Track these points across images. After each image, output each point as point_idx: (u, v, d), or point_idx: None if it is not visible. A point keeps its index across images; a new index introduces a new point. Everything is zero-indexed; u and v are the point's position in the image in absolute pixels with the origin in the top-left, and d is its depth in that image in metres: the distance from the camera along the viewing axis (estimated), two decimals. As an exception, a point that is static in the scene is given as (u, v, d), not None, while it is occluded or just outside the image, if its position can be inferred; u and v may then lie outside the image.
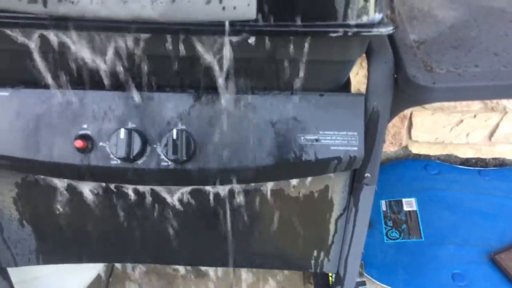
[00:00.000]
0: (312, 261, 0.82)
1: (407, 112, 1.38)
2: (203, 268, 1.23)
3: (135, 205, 0.73)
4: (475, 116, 1.37)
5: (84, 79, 0.61)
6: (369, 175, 0.68)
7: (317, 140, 0.63)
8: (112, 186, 0.70)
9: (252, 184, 0.71)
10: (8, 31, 0.53)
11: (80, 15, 0.47)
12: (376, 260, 1.25)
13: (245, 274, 1.15)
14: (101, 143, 0.62)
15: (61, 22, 0.50)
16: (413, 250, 1.27)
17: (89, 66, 0.58)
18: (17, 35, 0.54)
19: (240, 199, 0.72)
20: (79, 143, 0.61)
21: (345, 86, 0.67)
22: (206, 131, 0.63)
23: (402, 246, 1.28)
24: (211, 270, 1.27)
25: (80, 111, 0.62)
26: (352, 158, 0.64)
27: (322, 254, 0.81)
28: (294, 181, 0.71)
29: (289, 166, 0.64)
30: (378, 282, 1.23)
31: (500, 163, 1.51)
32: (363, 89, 0.64)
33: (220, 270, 1.28)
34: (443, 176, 1.47)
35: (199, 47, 0.54)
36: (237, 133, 0.63)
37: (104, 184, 0.70)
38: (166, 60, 0.57)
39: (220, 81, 0.60)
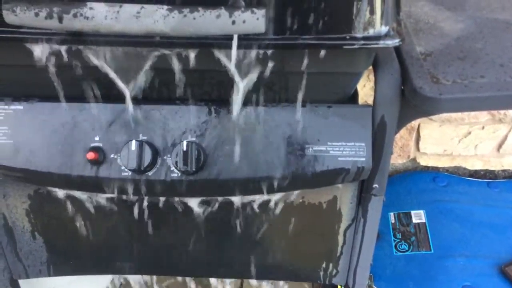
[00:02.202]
0: (321, 273, 0.82)
1: (414, 124, 1.39)
2: (211, 281, 1.23)
3: (145, 216, 0.74)
4: (483, 127, 1.37)
5: (96, 92, 0.63)
6: (377, 185, 0.69)
7: (325, 151, 0.64)
8: (123, 197, 0.71)
9: (261, 195, 0.71)
10: (23, 46, 0.55)
11: (94, 30, 0.48)
12: (385, 272, 1.24)
13: (253, 286, 1.14)
14: (112, 155, 0.63)
15: (76, 38, 0.52)
16: (423, 263, 1.26)
17: (101, 79, 0.59)
18: (32, 50, 0.55)
19: (248, 210, 0.73)
20: (91, 155, 0.62)
21: (353, 98, 0.68)
22: (215, 143, 0.64)
23: (412, 259, 1.28)
24: (219, 282, 1.27)
25: (92, 124, 0.64)
26: (360, 169, 0.64)
27: (331, 266, 0.81)
28: (302, 192, 0.72)
29: (298, 177, 0.64)
30: (387, 295, 1.22)
31: (510, 175, 1.50)
32: (370, 101, 0.65)
33: (227, 281, 1.28)
34: (452, 188, 1.46)
35: (209, 61, 0.55)
36: (246, 144, 0.64)
37: (115, 196, 0.71)
38: (177, 73, 0.58)
39: (230, 94, 0.61)
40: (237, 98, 0.61)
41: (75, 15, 0.47)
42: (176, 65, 0.56)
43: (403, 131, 1.41)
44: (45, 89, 0.61)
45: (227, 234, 0.77)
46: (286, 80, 0.62)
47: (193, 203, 0.72)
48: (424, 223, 1.36)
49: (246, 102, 0.63)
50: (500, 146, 1.42)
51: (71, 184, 0.65)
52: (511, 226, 1.33)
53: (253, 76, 0.59)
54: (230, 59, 0.55)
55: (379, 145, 0.65)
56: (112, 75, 0.58)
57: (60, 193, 0.71)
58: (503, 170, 1.49)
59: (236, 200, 0.71)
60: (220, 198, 0.71)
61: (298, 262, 0.82)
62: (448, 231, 1.34)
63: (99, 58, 0.56)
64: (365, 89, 1.27)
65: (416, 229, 1.35)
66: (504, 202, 1.40)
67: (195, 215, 0.73)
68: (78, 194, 0.71)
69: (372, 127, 0.64)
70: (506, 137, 1.39)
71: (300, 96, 0.63)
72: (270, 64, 0.57)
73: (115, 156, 0.63)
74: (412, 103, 0.60)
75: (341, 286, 1.07)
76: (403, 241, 1.32)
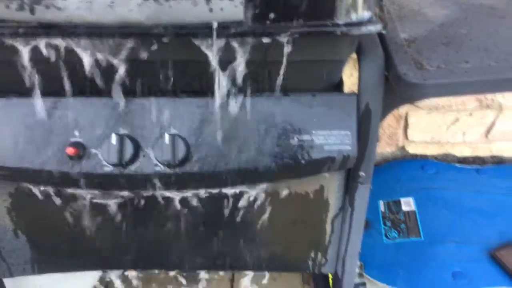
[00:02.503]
0: (310, 262, 0.82)
1: (402, 112, 1.38)
2: (200, 274, 1.23)
3: (130, 211, 0.72)
4: (470, 114, 1.37)
5: (75, 86, 0.61)
6: (363, 174, 0.68)
7: (310, 140, 0.63)
8: (107, 192, 0.70)
9: (247, 187, 0.70)
10: (-4, 40, 0.53)
11: (67, 21, 0.47)
12: (375, 260, 1.24)
13: (242, 278, 1.14)
14: (93, 150, 0.62)
15: (49, 30, 0.50)
16: (413, 250, 1.27)
17: (79, 73, 0.58)
18: (5, 43, 0.53)
19: (235, 202, 0.72)
20: (70, 151, 0.61)
21: (338, 86, 0.67)
22: (198, 135, 0.62)
23: (402, 246, 1.28)
24: (208, 275, 1.26)
25: (72, 119, 0.62)
26: (345, 157, 0.64)
27: (319, 255, 0.81)
28: (289, 182, 0.71)
29: (283, 167, 0.64)
30: (378, 282, 1.22)
31: (498, 161, 1.51)
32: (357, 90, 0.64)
33: (216, 274, 1.27)
34: (440, 176, 1.47)
35: (188, 50, 0.54)
36: (229, 135, 0.63)
37: (97, 191, 0.69)
38: (155, 64, 0.57)
39: (212, 84, 0.60)
40: (219, 89, 0.60)
41: (47, 6, 0.46)
42: (153, 56, 0.55)
43: (391, 120, 1.40)
44: (23, 84, 0.60)
45: (214, 227, 0.76)
46: (269, 69, 0.61)
47: (178, 196, 0.71)
48: (414, 210, 1.36)
49: (228, 93, 0.61)
50: (488, 132, 1.42)
51: (51, 180, 0.64)
52: (500, 212, 1.34)
53: (234, 66, 0.58)
54: (209, 48, 0.54)
55: (365, 133, 0.64)
56: (89, 68, 0.56)
57: (41, 190, 0.70)
58: (492, 156, 1.50)
59: (222, 192, 0.70)
60: (205, 191, 0.70)
61: (286, 253, 0.82)
62: (438, 218, 1.34)
63: (75, 51, 0.54)
64: (353, 78, 1.26)
65: (406, 217, 1.35)
66: (493, 188, 1.41)
67: (180, 209, 0.72)
68: (59, 190, 0.70)
69: (357, 115, 0.63)
70: (494, 123, 1.39)
71: (283, 85, 0.63)
72: (251, 53, 0.55)
73: (96, 151, 0.62)
74: (397, 89, 0.60)
75: (330, 275, 1.07)
76: (393, 229, 1.32)
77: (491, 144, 1.46)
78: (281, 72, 0.60)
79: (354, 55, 0.63)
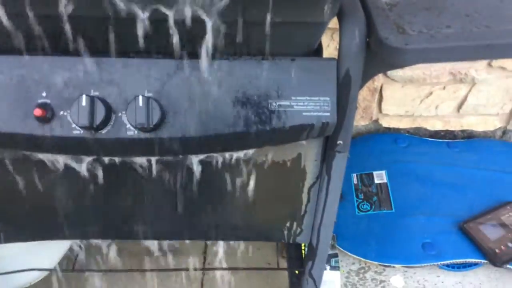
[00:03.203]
0: (285, 232, 0.81)
1: (377, 85, 1.38)
2: (174, 246, 1.21)
3: (100, 176, 0.70)
4: (444, 88, 1.38)
5: (42, 43, 0.58)
6: (341, 142, 0.67)
7: (289, 106, 0.61)
8: (76, 157, 0.67)
9: (223, 153, 0.69)
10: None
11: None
12: (348, 232, 1.26)
13: (216, 248, 1.13)
14: (61, 112, 0.59)
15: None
16: (384, 222, 1.28)
17: (47, 29, 0.55)
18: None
19: (210, 169, 0.70)
20: (38, 112, 0.57)
21: (317, 52, 0.66)
22: (173, 98, 0.60)
23: (374, 218, 1.29)
24: (181, 245, 1.25)
25: (39, 79, 0.59)
26: (324, 124, 0.62)
27: (295, 224, 0.80)
28: (266, 150, 0.70)
29: (261, 133, 0.62)
30: (350, 254, 1.24)
31: (468, 135, 1.53)
32: (335, 59, 0.63)
33: (190, 244, 1.26)
34: (412, 149, 1.49)
35: (162, 9, 0.52)
36: (205, 100, 0.61)
37: (67, 156, 0.67)
38: (129, 24, 0.54)
39: (186, 45, 0.58)
40: (195, 51, 0.58)
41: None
42: (126, 13, 0.52)
43: (366, 92, 1.40)
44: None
45: (188, 194, 0.74)
46: (247, 31, 0.58)
47: (151, 162, 0.69)
48: (386, 183, 1.38)
49: (205, 55, 0.59)
50: (460, 106, 1.44)
51: (17, 143, 0.61)
52: (469, 185, 1.37)
53: (210, 27, 0.55)
54: (184, 5, 0.51)
55: (344, 100, 0.63)
56: (59, 25, 0.53)
57: (7, 154, 0.67)
58: (462, 131, 1.52)
59: (197, 158, 0.69)
60: (180, 156, 0.68)
61: (262, 222, 0.81)
62: (409, 191, 1.36)
63: (44, 4, 0.51)
64: (329, 49, 1.25)
65: (378, 189, 1.36)
66: (463, 161, 1.44)
67: (153, 175, 0.70)
68: (26, 154, 0.67)
69: (337, 81, 0.62)
70: (466, 97, 1.41)
71: (262, 49, 0.61)
72: (228, 12, 0.53)
73: (65, 113, 0.59)
74: (378, 54, 0.58)
75: (304, 246, 1.07)
76: (365, 201, 1.34)
77: (463, 119, 1.48)
78: (260, 34, 0.58)
79: (333, 24, 0.61)
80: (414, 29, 0.58)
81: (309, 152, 0.71)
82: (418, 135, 1.53)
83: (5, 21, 0.54)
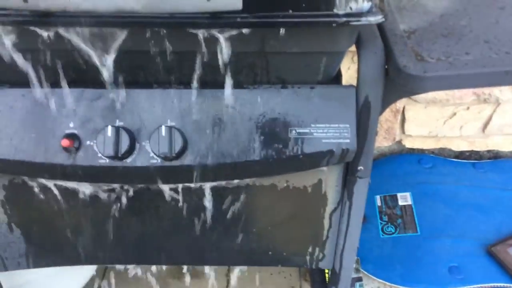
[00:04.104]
0: (307, 257, 0.81)
1: (400, 106, 1.38)
2: (198, 269, 1.22)
3: (125, 204, 0.71)
4: (468, 108, 1.37)
5: (70, 77, 0.60)
6: (362, 168, 0.67)
7: (308, 133, 0.62)
8: (102, 185, 0.69)
9: (245, 180, 0.69)
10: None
11: (61, 9, 0.45)
12: (372, 255, 1.24)
13: (240, 273, 1.14)
14: (88, 142, 0.61)
15: (43, 18, 0.49)
16: (409, 244, 1.26)
17: (73, 63, 0.57)
18: (-2, 32, 0.52)
19: (233, 195, 0.71)
20: (65, 143, 0.60)
21: (336, 79, 0.67)
22: (195, 127, 0.62)
23: (398, 241, 1.28)
24: (205, 270, 1.25)
25: (67, 110, 0.61)
26: (344, 151, 0.63)
27: (317, 250, 0.80)
28: (287, 176, 0.70)
29: (281, 161, 0.63)
30: (374, 278, 1.22)
31: (494, 155, 1.50)
32: (355, 84, 0.64)
33: (214, 269, 1.27)
34: (437, 170, 1.46)
35: (184, 40, 0.53)
36: (227, 128, 0.62)
37: (93, 184, 0.68)
38: (151, 55, 0.56)
39: (209, 76, 0.59)
40: (216, 81, 0.59)
41: (40, -6, 0.45)
42: (149, 46, 0.54)
43: (388, 114, 1.40)
44: (16, 74, 0.58)
45: (211, 220, 0.75)
46: (267, 61, 0.60)
47: (174, 189, 0.70)
48: (410, 205, 1.36)
49: (226, 84, 0.61)
50: (485, 126, 1.42)
51: (45, 172, 0.63)
52: (496, 207, 1.34)
53: (231, 57, 0.57)
54: (206, 39, 0.53)
55: (364, 126, 0.63)
56: (84, 58, 0.55)
57: (35, 182, 0.69)
58: (488, 151, 1.49)
59: (220, 185, 0.70)
60: (201, 184, 0.69)
61: (284, 247, 0.81)
62: (434, 213, 1.34)
63: (70, 40, 0.53)
64: (350, 71, 1.26)
65: (403, 211, 1.35)
66: (489, 182, 1.41)
67: (176, 202, 0.71)
68: (54, 183, 0.69)
69: (356, 108, 0.62)
70: (491, 117, 1.39)
71: (281, 77, 0.62)
72: (249, 44, 0.54)
73: (91, 143, 0.61)
74: (397, 82, 0.59)
75: (327, 270, 1.07)
76: (389, 224, 1.32)
77: (488, 139, 1.46)
78: (279, 64, 0.59)
79: (352, 47, 0.62)
80: (433, 56, 0.58)
81: (329, 178, 0.71)
82: (443, 156, 1.51)
83: (37, 55, 0.56)
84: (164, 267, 1.19)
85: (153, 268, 1.23)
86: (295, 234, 0.78)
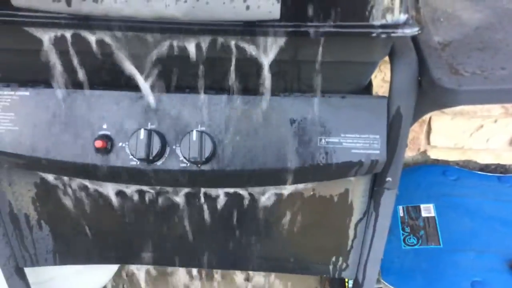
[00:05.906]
0: (331, 266, 0.81)
1: (426, 116, 1.36)
2: (215, 273, 1.23)
3: (153, 206, 0.72)
4: (495, 121, 1.35)
5: (105, 79, 0.61)
6: (390, 179, 0.67)
7: (338, 143, 0.62)
8: (131, 186, 0.70)
9: (271, 187, 0.70)
10: (30, 31, 0.53)
11: (103, 14, 0.46)
12: (393, 266, 1.23)
13: (259, 278, 1.14)
14: (120, 144, 0.62)
15: (84, 22, 0.50)
16: (431, 257, 1.25)
17: (109, 66, 0.58)
18: (39, 34, 0.53)
19: (259, 202, 0.71)
20: (99, 143, 0.61)
21: (367, 89, 0.66)
22: (226, 133, 0.62)
23: (420, 253, 1.26)
24: (223, 275, 1.26)
25: (101, 111, 0.62)
26: (373, 162, 0.63)
27: (340, 259, 0.80)
28: (313, 185, 0.70)
29: (309, 169, 0.63)
30: (395, 289, 1.21)
31: (521, 170, 1.48)
32: (381, 92, 0.63)
33: (232, 274, 1.27)
34: (462, 182, 1.44)
35: (220, 48, 0.54)
36: (257, 135, 0.62)
37: (122, 185, 0.69)
38: (187, 61, 0.57)
39: (241, 83, 0.60)
40: (248, 88, 0.60)
41: (83, -2, 0.46)
42: (187, 52, 0.55)
43: (414, 124, 1.38)
44: (52, 75, 0.60)
45: (236, 226, 0.75)
46: (300, 69, 0.60)
47: (202, 193, 0.70)
48: (434, 217, 1.34)
49: (258, 92, 0.61)
50: (512, 140, 1.39)
51: (77, 172, 0.64)
52: (521, 222, 1.31)
53: (265, 65, 0.57)
54: (242, 47, 0.53)
55: (394, 137, 0.63)
56: (121, 62, 0.56)
57: (67, 181, 0.70)
58: (515, 165, 1.47)
59: (246, 191, 0.70)
60: (229, 189, 0.70)
61: (307, 255, 0.81)
62: (458, 226, 1.32)
63: (108, 44, 0.54)
64: (376, 80, 1.25)
65: (425, 223, 1.33)
66: (515, 197, 1.38)
67: (203, 206, 0.72)
68: (85, 182, 0.70)
69: (387, 119, 0.62)
70: (519, 131, 1.37)
71: (313, 86, 0.62)
72: (284, 52, 0.55)
73: (124, 145, 0.62)
74: (430, 94, 0.58)
75: (347, 281, 1.06)
76: (411, 235, 1.31)
77: (515, 153, 1.43)
78: (313, 73, 0.59)
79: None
80: (468, 70, 0.58)
81: (356, 188, 0.71)
82: (468, 168, 1.49)
83: (75, 58, 0.57)
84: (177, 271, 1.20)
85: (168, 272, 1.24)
86: (319, 243, 0.78)
